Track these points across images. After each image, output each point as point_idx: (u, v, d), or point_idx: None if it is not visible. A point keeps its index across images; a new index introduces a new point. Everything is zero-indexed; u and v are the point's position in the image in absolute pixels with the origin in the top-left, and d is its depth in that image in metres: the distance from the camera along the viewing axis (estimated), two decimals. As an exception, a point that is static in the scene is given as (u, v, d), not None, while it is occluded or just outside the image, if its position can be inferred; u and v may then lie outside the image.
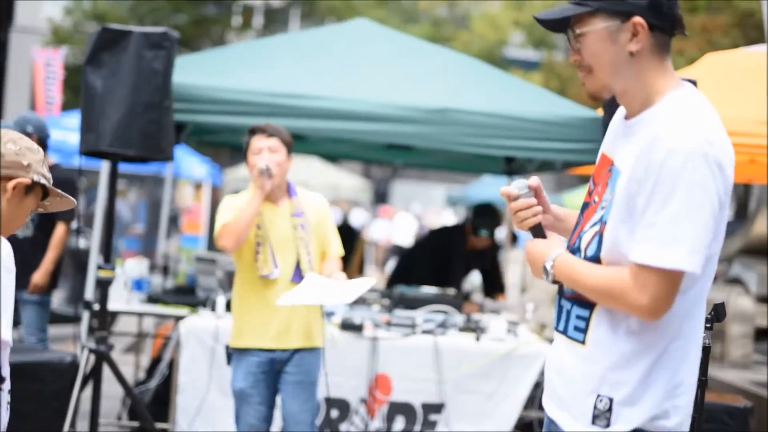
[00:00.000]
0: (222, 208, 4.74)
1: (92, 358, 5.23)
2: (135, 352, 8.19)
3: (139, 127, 5.06)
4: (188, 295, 6.63)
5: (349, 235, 10.67)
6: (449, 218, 24.65)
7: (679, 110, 2.33)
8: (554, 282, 2.49)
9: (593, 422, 2.40)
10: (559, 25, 2.46)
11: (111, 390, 5.87)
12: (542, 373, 4.03)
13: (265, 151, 4.68)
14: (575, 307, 2.48)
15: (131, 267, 6.63)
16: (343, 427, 5.70)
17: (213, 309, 5.96)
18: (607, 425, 2.39)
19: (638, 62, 2.38)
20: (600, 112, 5.98)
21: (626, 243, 2.33)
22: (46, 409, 5.11)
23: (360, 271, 11.84)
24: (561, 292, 2.55)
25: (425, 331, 5.85)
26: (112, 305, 6.05)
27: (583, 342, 2.44)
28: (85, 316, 6.03)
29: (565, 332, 2.51)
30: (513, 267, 11.91)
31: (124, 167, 5.69)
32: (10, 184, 2.47)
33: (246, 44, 10.31)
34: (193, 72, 6.03)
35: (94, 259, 6.10)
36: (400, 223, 24.29)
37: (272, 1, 25.25)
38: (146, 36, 5.12)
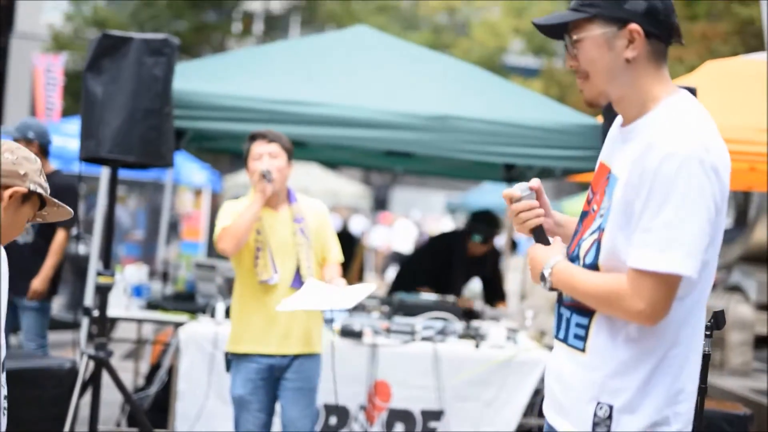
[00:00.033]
0: (222, 212, 4.75)
1: (91, 364, 5.22)
2: (134, 358, 8.18)
3: (139, 134, 5.07)
4: (188, 302, 6.62)
5: (348, 241, 10.66)
6: (448, 225, 24.63)
7: (674, 116, 2.34)
8: (552, 289, 2.49)
9: (593, 429, 2.40)
10: (557, 30, 2.47)
11: (110, 396, 5.86)
12: (542, 380, 4.04)
13: (266, 156, 4.69)
14: (575, 315, 2.48)
15: (131, 273, 6.63)
16: (342, 434, 5.69)
17: (212, 315, 5.96)
18: (607, 432, 2.39)
19: (634, 69, 2.40)
20: (600, 120, 5.98)
21: (624, 249, 2.33)
22: (45, 416, 5.10)
23: (360, 278, 11.83)
24: (560, 301, 2.56)
25: (425, 338, 5.85)
26: (112, 311, 6.05)
27: (583, 350, 2.45)
28: (85, 322, 6.03)
29: (565, 340, 2.51)
30: (513, 274, 11.91)
31: (124, 173, 5.69)
32: (7, 193, 2.49)
33: (246, 51, 10.31)
34: (194, 78, 6.04)
35: (94, 265, 6.10)
36: (399, 230, 24.31)
37: (272, 8, 25.27)
38: (147, 42, 5.13)
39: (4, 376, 2.53)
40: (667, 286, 2.26)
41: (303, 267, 4.70)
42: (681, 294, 2.32)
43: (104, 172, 6.03)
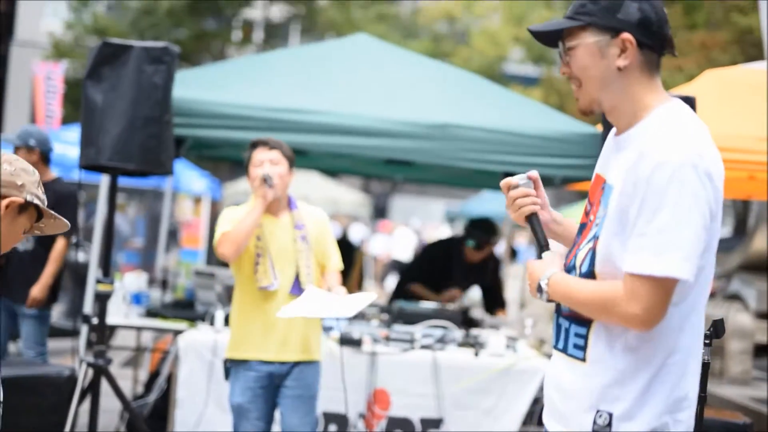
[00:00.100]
0: (222, 218, 4.75)
1: (90, 372, 5.22)
2: (133, 366, 8.18)
3: (139, 142, 5.07)
4: (187, 309, 6.62)
5: (347, 249, 10.67)
6: (446, 233, 24.65)
7: (667, 124, 2.36)
8: (549, 301, 2.51)
9: (593, 437, 2.41)
10: (552, 37, 2.51)
11: (109, 404, 5.85)
12: (541, 389, 4.03)
13: (267, 163, 4.70)
14: (573, 325, 2.49)
15: (130, 281, 6.62)
16: (341, 442, 5.68)
17: (212, 323, 5.96)
18: (607, 440, 2.39)
19: (626, 78, 2.42)
20: (599, 128, 5.99)
21: (619, 256, 2.34)
22: (44, 423, 5.10)
23: (359, 286, 11.83)
24: (558, 311, 2.57)
25: (424, 346, 5.84)
26: (111, 319, 6.05)
27: (583, 359, 2.45)
28: (84, 329, 6.03)
29: (564, 350, 2.52)
30: (512, 282, 11.91)
31: (123, 181, 5.69)
32: (3, 203, 2.50)
33: (246, 59, 10.33)
34: (193, 86, 6.04)
35: (93, 272, 6.09)
36: (399, 238, 24.32)
37: (272, 16, 25.32)
38: (147, 50, 5.13)
39: None
40: (662, 290, 2.27)
41: (303, 274, 4.71)
42: (676, 299, 2.33)
43: (104, 180, 6.03)
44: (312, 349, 4.78)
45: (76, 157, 5.46)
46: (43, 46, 21.98)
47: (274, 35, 25.58)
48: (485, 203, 19.60)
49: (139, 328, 7.06)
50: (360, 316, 6.36)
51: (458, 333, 6.14)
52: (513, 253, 13.92)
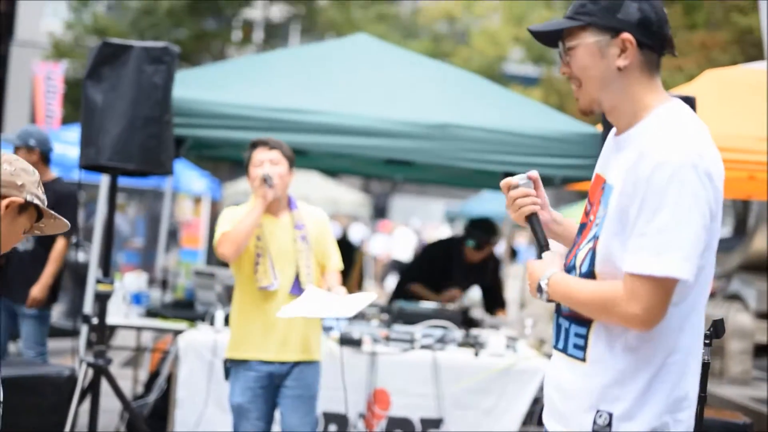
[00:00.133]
0: (222, 218, 4.76)
1: (90, 372, 5.22)
2: (133, 366, 8.18)
3: (139, 142, 5.07)
4: (187, 309, 6.62)
5: (347, 249, 10.67)
6: (446, 233, 24.65)
7: (667, 124, 2.37)
8: (549, 301, 2.51)
9: (593, 437, 2.41)
10: (552, 37, 2.52)
11: (109, 404, 5.85)
12: (541, 389, 4.03)
13: (267, 163, 4.71)
14: (573, 325, 2.49)
15: (130, 281, 6.62)
16: (341, 442, 5.68)
17: (211, 323, 5.95)
18: (607, 440, 2.39)
19: (626, 77, 2.43)
20: (599, 128, 5.99)
21: (619, 255, 2.35)
22: (44, 423, 5.10)
23: (359, 286, 11.83)
24: (559, 311, 2.57)
25: (424, 346, 5.84)
26: (111, 319, 6.05)
27: (583, 359, 2.45)
28: (84, 329, 6.03)
29: (564, 350, 2.52)
30: (512, 282, 11.91)
31: (123, 181, 5.69)
32: (3, 203, 2.51)
33: (246, 59, 10.33)
34: (193, 86, 6.04)
35: (93, 272, 6.09)
36: (399, 238, 24.32)
37: (272, 16, 25.32)
38: (147, 50, 5.13)
39: None
40: (662, 290, 2.27)
41: (303, 274, 4.71)
42: (676, 299, 2.33)
43: (104, 180, 6.03)
44: (312, 349, 4.79)
45: (76, 157, 5.46)
46: (43, 46, 21.98)
47: (274, 35, 25.58)
48: (485, 203, 19.60)
49: (139, 328, 7.06)
50: (360, 316, 6.36)
51: (458, 333, 6.14)
52: (513, 253, 13.92)
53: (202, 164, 16.20)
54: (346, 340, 5.70)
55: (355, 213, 21.52)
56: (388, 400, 5.72)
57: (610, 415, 2.38)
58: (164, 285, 7.49)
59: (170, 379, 6.10)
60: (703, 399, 3.61)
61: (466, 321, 6.78)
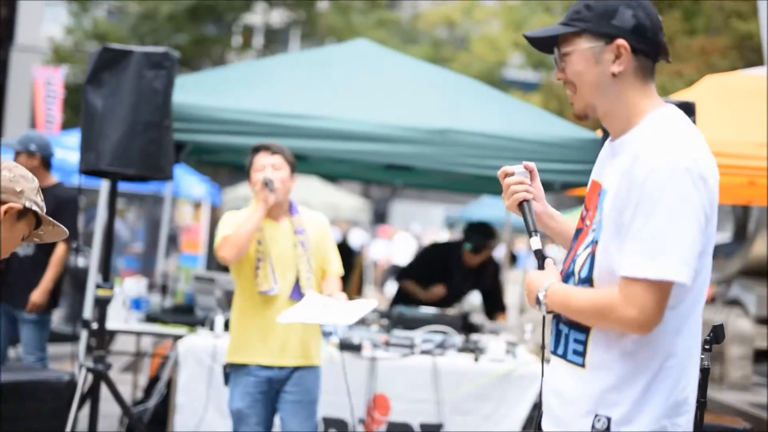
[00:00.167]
0: (223, 222, 4.76)
1: (90, 377, 5.21)
2: (133, 371, 8.17)
3: (139, 147, 5.07)
4: (186, 315, 6.62)
5: (347, 254, 10.66)
6: (445, 237, 24.65)
7: (661, 129, 2.39)
8: (548, 312, 2.52)
9: (592, 442, 2.41)
10: (547, 43, 2.54)
11: (109, 409, 5.85)
12: (541, 394, 4.03)
13: (269, 168, 4.71)
14: (572, 331, 2.50)
15: (130, 286, 6.62)
16: (341, 447, 5.67)
17: (211, 328, 5.95)
18: (606, 444, 2.40)
19: (621, 83, 2.45)
20: (599, 133, 5.99)
21: (616, 259, 2.36)
22: (43, 428, 5.09)
23: (359, 291, 11.83)
24: (558, 317, 2.57)
25: (424, 352, 5.84)
26: (111, 324, 6.04)
27: (582, 365, 2.46)
28: (84, 335, 6.02)
29: (564, 356, 2.53)
30: (512, 287, 11.91)
31: (123, 186, 5.69)
32: (2, 209, 2.53)
33: (246, 64, 10.34)
34: (193, 92, 6.05)
35: (93, 277, 6.09)
36: (399, 244, 24.29)
37: (272, 22, 25.35)
38: (147, 56, 5.14)
39: None
40: (658, 293, 2.28)
41: (303, 279, 4.71)
42: (672, 303, 2.34)
43: (104, 185, 6.03)
44: (311, 354, 4.78)
45: (76, 162, 5.47)
46: (44, 51, 22.01)
47: (274, 41, 25.61)
48: (485, 208, 19.57)
49: (138, 333, 7.05)
50: (360, 321, 6.33)
51: (458, 338, 6.14)
52: (513, 259, 13.91)
53: (202, 169, 16.19)
54: (346, 345, 5.70)
55: (355, 218, 21.52)
56: (387, 406, 5.72)
57: (609, 420, 2.39)
58: (164, 290, 7.49)
59: (170, 384, 6.10)
60: (703, 404, 3.61)
61: (465, 326, 6.78)
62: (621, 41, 2.41)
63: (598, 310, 2.36)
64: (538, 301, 2.51)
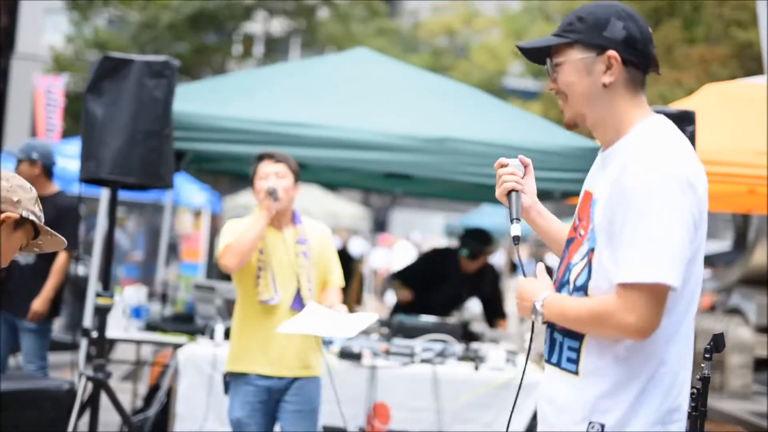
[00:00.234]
0: (225, 230, 4.75)
1: (90, 385, 5.21)
2: (133, 379, 8.17)
3: (139, 155, 5.08)
4: (187, 323, 6.61)
5: (346, 260, 10.67)
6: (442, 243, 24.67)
7: (649, 137, 2.42)
8: (544, 322, 2.53)
9: (586, 448, 2.43)
10: (540, 54, 2.58)
11: (108, 418, 5.84)
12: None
13: (272, 176, 4.70)
14: (567, 339, 2.52)
15: (130, 294, 6.62)
16: (341, 456, 5.66)
17: (211, 337, 5.95)
18: (600, 451, 2.42)
19: (611, 94, 2.48)
20: (598, 142, 5.99)
21: (610, 267, 2.38)
22: (43, 437, 5.08)
23: (358, 300, 11.81)
24: (553, 325, 2.59)
25: (424, 360, 5.84)
26: (111, 333, 6.04)
27: (576, 372, 2.48)
28: (83, 343, 6.02)
29: (558, 364, 2.55)
30: (512, 296, 11.88)
31: (123, 194, 5.69)
32: None
33: (246, 73, 10.35)
34: (194, 100, 6.05)
35: (93, 286, 6.09)
36: (399, 252, 24.29)
37: (273, 30, 25.39)
38: (147, 64, 5.15)
39: None
40: (654, 297, 2.30)
41: (304, 289, 4.70)
42: (667, 306, 2.35)
43: (104, 194, 6.03)
44: (311, 365, 4.77)
45: (76, 170, 5.47)
46: (44, 60, 22.05)
47: (275, 49, 25.66)
48: (485, 217, 19.59)
49: (138, 342, 7.05)
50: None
51: (458, 347, 6.14)
52: (513, 267, 13.90)
53: (203, 178, 16.21)
54: (346, 354, 5.70)
55: (355, 226, 21.53)
56: (388, 414, 5.71)
57: (602, 426, 2.41)
58: (164, 298, 7.49)
59: (170, 393, 6.10)
60: (703, 413, 3.60)
61: (466, 335, 6.78)
62: (612, 52, 2.45)
63: (597, 318, 2.38)
64: (534, 311, 2.52)
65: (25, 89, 20.82)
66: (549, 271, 2.68)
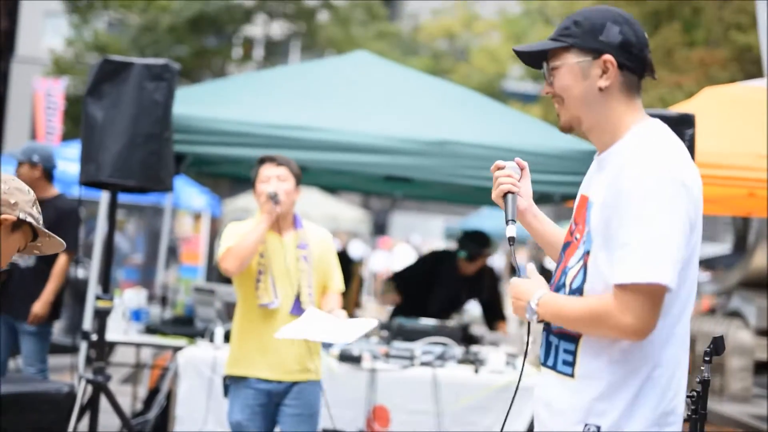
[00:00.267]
0: (227, 233, 4.74)
1: (89, 388, 5.21)
2: (132, 382, 8.16)
3: (139, 158, 5.08)
4: (186, 326, 6.61)
5: (346, 262, 10.66)
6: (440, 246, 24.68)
7: (644, 140, 2.44)
8: (539, 321, 2.53)
9: (582, 450, 2.44)
10: (536, 58, 2.60)
11: (108, 421, 5.84)
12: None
13: (274, 179, 4.69)
14: (562, 341, 2.53)
15: (129, 297, 6.62)
16: (341, 459, 5.66)
17: (211, 340, 5.95)
18: (596, 453, 2.42)
19: (607, 98, 2.50)
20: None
21: (606, 270, 2.39)
22: (43, 440, 5.08)
23: (357, 303, 11.80)
24: (549, 328, 2.59)
25: (424, 363, 5.84)
26: (110, 336, 6.03)
27: (572, 375, 2.49)
28: (83, 346, 6.02)
29: (554, 367, 2.56)
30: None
31: (123, 197, 5.69)
32: None
33: (246, 76, 10.37)
34: (194, 103, 6.06)
35: (93, 289, 6.09)
36: (399, 255, 24.28)
37: (273, 34, 25.40)
38: (147, 67, 5.15)
39: None
40: (651, 297, 2.31)
41: (303, 294, 4.69)
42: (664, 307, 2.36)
43: (104, 197, 6.03)
44: (311, 369, 4.76)
45: (76, 173, 5.47)
46: (44, 63, 22.07)
47: (275, 52, 25.66)
48: (485, 220, 19.58)
49: (138, 345, 7.05)
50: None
51: (458, 350, 6.14)
52: (513, 270, 13.92)
53: (202, 181, 16.20)
54: (346, 357, 5.70)
55: (355, 229, 21.53)
56: (387, 417, 5.71)
57: (598, 428, 2.42)
58: (164, 301, 7.49)
59: (170, 396, 6.10)
60: (703, 416, 3.60)
61: (465, 338, 6.77)
62: (608, 56, 2.46)
63: (594, 318, 2.38)
64: (529, 310, 2.52)
65: (25, 92, 20.82)
66: (548, 273, 2.69)
